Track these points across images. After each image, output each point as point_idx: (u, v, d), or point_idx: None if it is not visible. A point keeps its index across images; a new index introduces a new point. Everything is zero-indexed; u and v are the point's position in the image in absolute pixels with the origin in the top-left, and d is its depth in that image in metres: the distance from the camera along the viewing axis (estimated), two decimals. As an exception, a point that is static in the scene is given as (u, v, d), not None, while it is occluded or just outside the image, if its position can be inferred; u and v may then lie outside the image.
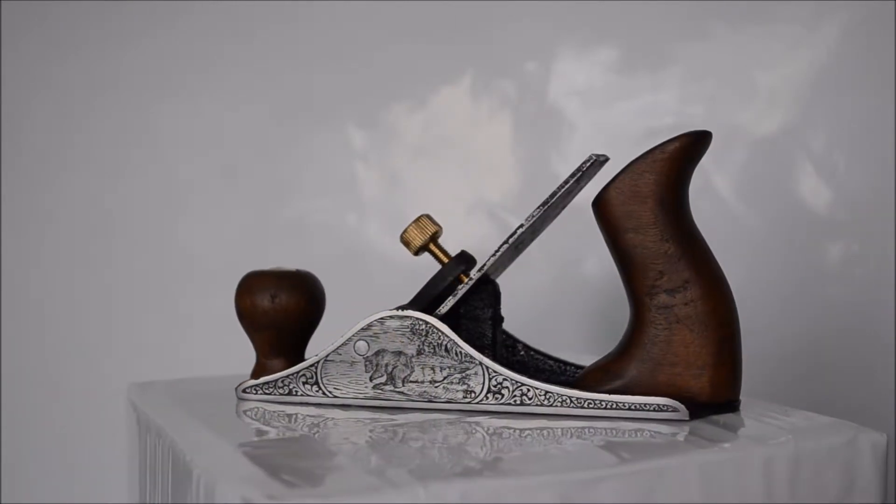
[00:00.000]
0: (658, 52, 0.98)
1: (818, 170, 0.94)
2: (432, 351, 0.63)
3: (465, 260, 0.66)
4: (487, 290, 0.65)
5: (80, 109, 1.05)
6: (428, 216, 0.66)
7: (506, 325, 0.68)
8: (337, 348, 0.64)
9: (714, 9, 0.96)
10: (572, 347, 0.89)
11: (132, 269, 1.05)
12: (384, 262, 1.01)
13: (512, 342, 0.69)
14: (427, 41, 1.02)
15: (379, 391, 0.64)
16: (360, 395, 0.64)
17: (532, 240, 0.68)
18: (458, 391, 0.62)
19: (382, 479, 0.48)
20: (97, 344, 1.04)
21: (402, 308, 0.64)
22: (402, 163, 1.04)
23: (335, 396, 0.64)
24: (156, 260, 1.04)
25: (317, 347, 0.66)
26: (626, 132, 0.98)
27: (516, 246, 0.65)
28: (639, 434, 0.56)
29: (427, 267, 0.66)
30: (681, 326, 0.60)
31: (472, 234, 1.01)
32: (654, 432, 0.57)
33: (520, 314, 0.77)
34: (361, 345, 0.64)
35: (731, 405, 0.61)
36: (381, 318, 0.64)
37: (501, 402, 0.61)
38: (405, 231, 0.66)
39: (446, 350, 0.62)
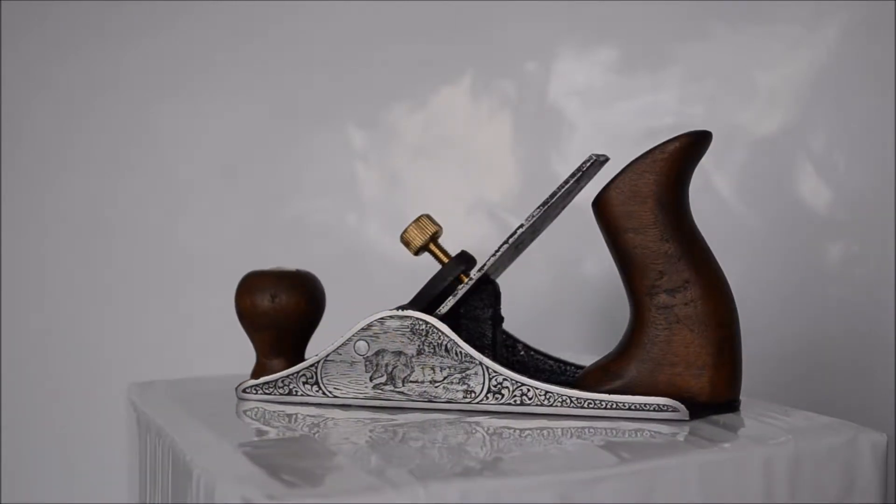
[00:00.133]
0: (658, 52, 0.98)
1: (818, 170, 0.94)
2: (432, 351, 0.63)
3: (465, 260, 0.66)
4: (487, 290, 0.65)
5: (80, 109, 1.05)
6: (428, 216, 0.66)
7: (506, 325, 0.68)
8: (337, 348, 0.64)
9: (714, 9, 0.96)
10: (572, 347, 0.89)
11: (132, 269, 1.05)
12: (384, 262, 1.01)
13: (512, 342, 0.69)
14: (427, 41, 1.02)
15: (379, 391, 0.64)
16: (360, 395, 0.64)
17: (532, 240, 0.68)
18: (458, 391, 0.62)
19: (382, 479, 0.48)
20: (97, 344, 1.04)
21: (402, 308, 0.64)
22: (402, 163, 1.04)
23: (335, 396, 0.64)
24: (156, 260, 1.04)
25: (317, 347, 0.66)
26: (626, 132, 0.98)
27: (516, 246, 0.65)
28: (639, 434, 0.56)
29: (427, 267, 0.66)
30: (681, 326, 0.60)
31: (472, 234, 1.01)
32: (654, 432, 0.57)
33: (520, 314, 0.76)
34: (361, 345, 0.64)
35: (731, 405, 0.61)
36: (381, 318, 0.64)
37: (501, 402, 0.61)
38: (405, 231, 0.66)
39: (446, 350, 0.62)
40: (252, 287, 0.66)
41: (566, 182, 0.62)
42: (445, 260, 0.66)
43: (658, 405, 0.59)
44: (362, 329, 0.64)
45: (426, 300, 0.65)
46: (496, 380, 0.62)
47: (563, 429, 0.58)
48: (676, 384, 0.60)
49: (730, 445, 0.54)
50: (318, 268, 0.70)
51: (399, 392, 0.63)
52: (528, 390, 0.61)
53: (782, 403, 0.64)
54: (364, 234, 1.04)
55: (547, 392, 0.61)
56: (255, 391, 0.66)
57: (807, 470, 0.54)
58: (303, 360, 0.67)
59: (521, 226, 0.63)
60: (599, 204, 0.61)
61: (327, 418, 0.61)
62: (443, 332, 0.62)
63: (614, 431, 0.57)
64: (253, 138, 1.04)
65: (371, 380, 0.64)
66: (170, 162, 1.05)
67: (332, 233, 1.04)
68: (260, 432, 0.59)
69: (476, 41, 1.02)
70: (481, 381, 0.62)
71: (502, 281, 0.67)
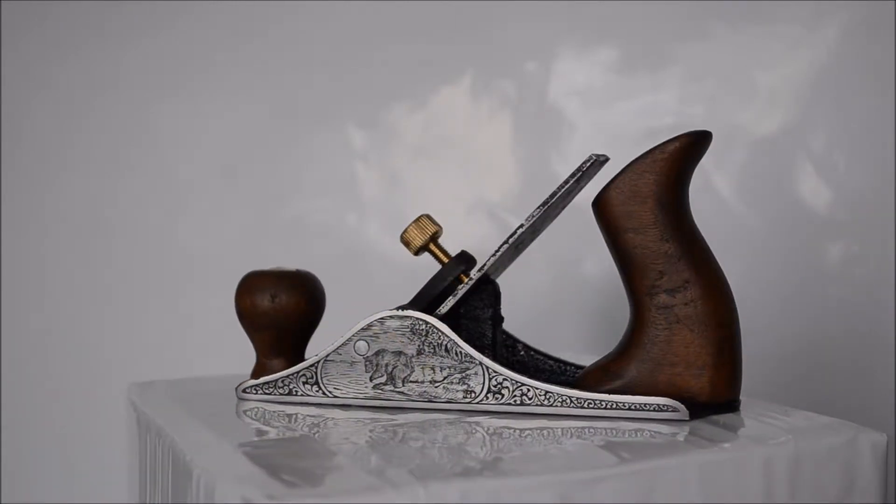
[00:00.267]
0: (658, 52, 0.98)
1: (818, 170, 0.94)
2: (432, 351, 0.63)
3: (465, 260, 0.66)
4: (487, 290, 0.65)
5: (80, 109, 1.05)
6: (428, 216, 0.66)
7: (506, 325, 0.68)
8: (337, 348, 0.64)
9: (714, 9, 0.96)
10: (572, 347, 0.89)
11: (132, 269, 1.05)
12: (384, 262, 1.01)
13: (512, 342, 0.69)
14: (427, 41, 1.02)
15: (379, 391, 0.64)
16: (360, 395, 0.64)
17: (532, 240, 0.68)
18: (458, 391, 0.62)
19: (382, 479, 0.48)
20: (97, 344, 1.04)
21: (402, 308, 0.64)
22: (402, 163, 1.04)
23: (335, 396, 0.64)
24: (156, 260, 1.04)
25: (317, 347, 0.66)
26: (626, 132, 0.98)
27: (516, 246, 0.65)
28: (639, 434, 0.56)
29: (427, 267, 0.66)
30: (681, 326, 0.60)
31: (472, 234, 1.01)
32: (654, 432, 0.57)
33: (520, 314, 0.76)
34: (361, 345, 0.64)
35: (731, 405, 0.61)
36: (381, 318, 0.64)
37: (501, 402, 0.61)
38: (405, 231, 0.66)
39: (446, 350, 0.62)
40: (252, 287, 0.66)
41: (566, 182, 0.62)
42: (445, 260, 0.66)
43: (658, 405, 0.59)
44: (362, 329, 0.64)
45: (426, 300, 0.65)
46: (496, 380, 0.62)
47: (563, 429, 0.58)
48: (676, 384, 0.60)
49: (730, 445, 0.54)
50: (318, 268, 0.70)
51: (399, 392, 0.63)
52: (528, 390, 0.61)
53: (782, 403, 0.64)
54: (364, 234, 1.04)
55: (547, 392, 0.61)
56: (255, 391, 0.66)
57: (807, 470, 0.54)
58: (303, 360, 0.67)
59: (521, 226, 0.63)
60: (599, 204, 0.61)
61: (327, 418, 0.61)
62: (443, 332, 0.62)
63: (614, 431, 0.57)
64: (253, 138, 1.04)
65: (371, 380, 0.64)
66: (170, 162, 1.05)
67: (332, 233, 1.04)
68: (260, 432, 0.59)
69: (476, 41, 1.02)
70: (481, 381, 0.62)
71: (502, 281, 0.67)
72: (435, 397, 0.63)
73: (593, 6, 0.98)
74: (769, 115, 0.96)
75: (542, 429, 0.58)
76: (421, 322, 0.63)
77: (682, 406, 0.59)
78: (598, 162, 0.63)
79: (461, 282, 0.65)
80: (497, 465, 0.51)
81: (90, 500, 1.02)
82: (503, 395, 0.61)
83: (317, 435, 0.57)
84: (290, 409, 0.64)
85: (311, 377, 0.65)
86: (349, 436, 0.57)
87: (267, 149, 1.04)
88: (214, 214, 1.04)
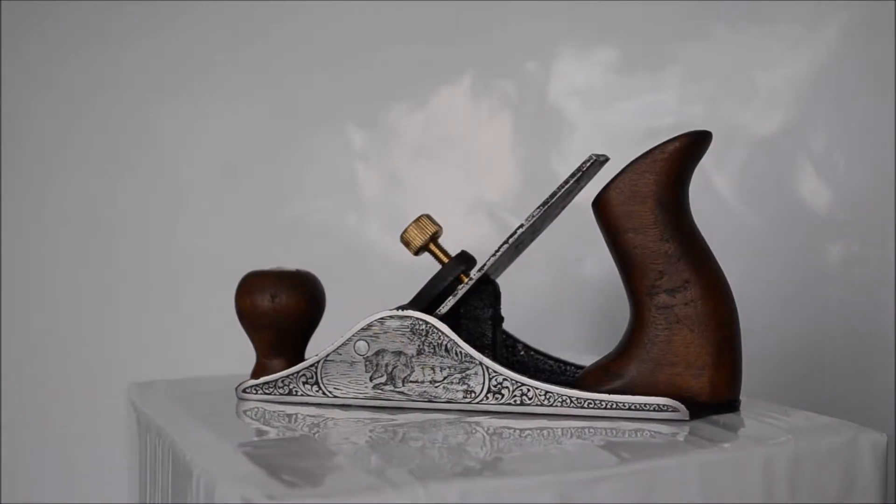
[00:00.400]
0: (658, 52, 0.98)
1: (818, 170, 0.94)
2: (432, 351, 0.63)
3: (465, 260, 0.66)
4: (487, 290, 0.65)
5: (80, 109, 1.05)
6: (428, 216, 0.66)
7: (506, 325, 0.68)
8: (337, 348, 0.64)
9: (714, 9, 0.96)
10: (572, 347, 0.89)
11: (132, 269, 1.05)
12: (384, 262, 1.01)
13: (512, 342, 0.69)
14: (427, 41, 1.02)
15: (379, 391, 0.64)
16: (360, 395, 0.64)
17: (532, 240, 0.68)
18: (458, 391, 0.62)
19: (382, 479, 0.48)
20: (97, 344, 1.04)
21: (402, 308, 0.64)
22: (402, 163, 1.04)
23: (335, 396, 0.64)
24: (156, 260, 1.04)
25: (317, 347, 0.66)
26: (626, 132, 0.98)
27: (516, 246, 0.65)
28: (639, 434, 0.56)
29: (427, 267, 0.66)
30: (681, 326, 0.60)
31: (472, 234, 1.01)
32: (654, 432, 0.57)
33: (520, 314, 0.76)
34: (361, 345, 0.64)
35: (731, 405, 0.61)
36: (381, 318, 0.64)
37: (501, 402, 0.61)
38: (405, 231, 0.66)
39: (446, 350, 0.62)
40: (252, 287, 0.66)
41: (566, 182, 0.62)
42: (445, 260, 0.66)
43: (658, 405, 0.59)
44: (362, 329, 0.64)
45: (426, 300, 0.65)
46: (496, 380, 0.62)
47: (563, 429, 0.58)
48: (676, 384, 0.60)
49: (730, 445, 0.54)
50: (318, 268, 0.70)
51: (399, 392, 0.63)
52: (528, 390, 0.61)
53: (782, 403, 0.64)
54: (364, 234, 1.04)
55: (547, 392, 0.61)
56: (255, 391, 0.66)
57: (807, 470, 0.54)
58: (303, 360, 0.67)
59: (521, 226, 0.63)
60: (599, 204, 0.61)
61: (327, 418, 0.61)
62: (443, 332, 0.62)
63: (614, 431, 0.57)
64: (253, 138, 1.04)
65: (371, 380, 0.64)
66: (170, 162, 1.05)
67: (332, 233, 1.04)
68: (260, 432, 0.59)
69: (476, 41, 1.02)
70: (481, 381, 0.62)
71: (502, 281, 0.67)
72: (435, 397, 0.63)
73: (593, 6, 0.98)
74: (769, 115, 0.96)
75: (542, 429, 0.58)
76: (421, 322, 0.63)
77: (682, 406, 0.59)
78: (598, 162, 0.63)
79: (461, 282, 0.65)
80: (497, 465, 0.51)
81: (90, 500, 1.02)
82: (503, 395, 0.61)
83: (317, 435, 0.57)
84: (290, 409, 0.64)
85: (311, 377, 0.65)
86: (349, 436, 0.57)
87: (267, 149, 1.04)
88: (214, 214, 1.04)
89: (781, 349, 0.94)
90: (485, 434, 0.57)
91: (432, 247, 0.66)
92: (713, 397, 0.60)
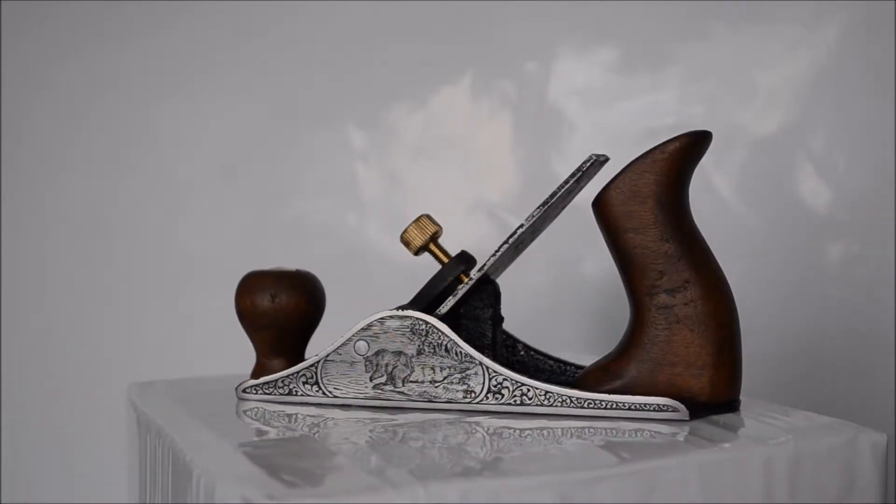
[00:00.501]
0: (658, 52, 0.98)
1: (818, 170, 0.94)
2: (432, 351, 0.63)
3: (465, 260, 0.66)
4: (487, 290, 0.65)
5: (80, 109, 1.05)
6: (428, 216, 0.66)
7: (506, 325, 0.68)
8: (337, 348, 0.64)
9: (714, 9, 0.96)
10: (572, 347, 0.89)
11: (132, 269, 1.05)
12: (384, 262, 1.01)
13: (512, 342, 0.69)
14: (427, 41, 1.02)
15: (379, 391, 0.64)
16: (360, 395, 0.64)
17: (532, 240, 0.68)
18: (458, 391, 0.62)
19: (382, 479, 0.48)
20: (97, 344, 1.04)
21: (402, 308, 0.64)
22: (402, 163, 1.04)
23: (335, 396, 0.64)
24: (156, 260, 1.04)
25: (317, 347, 0.66)
26: (626, 132, 0.98)
27: (516, 246, 0.65)
28: (639, 434, 0.56)
29: (427, 267, 0.66)
30: (681, 326, 0.60)
31: (472, 234, 1.01)
32: (654, 432, 0.57)
33: (520, 314, 0.76)
34: (361, 345, 0.64)
35: (731, 405, 0.61)
36: (381, 318, 0.64)
37: (501, 402, 0.61)
38: (405, 231, 0.66)
39: (446, 350, 0.62)
40: (252, 287, 0.66)
41: (566, 182, 0.62)
42: (445, 260, 0.66)
43: (658, 405, 0.59)
44: (362, 329, 0.64)
45: (426, 300, 0.65)
46: (496, 380, 0.62)
47: (563, 429, 0.58)
48: (676, 384, 0.60)
49: (730, 445, 0.54)
50: (318, 268, 0.70)
51: (399, 392, 0.63)
52: (528, 390, 0.61)
53: (782, 403, 0.64)
54: (364, 234, 1.04)
55: (547, 392, 0.61)
56: (255, 391, 0.66)
57: (807, 470, 0.54)
58: (303, 360, 0.67)
59: (521, 226, 0.63)
60: (599, 204, 0.61)
61: (327, 418, 0.61)
62: (443, 332, 0.62)
63: (614, 431, 0.57)
64: (253, 138, 1.04)
65: (371, 380, 0.64)
66: (170, 162, 1.05)
67: (332, 233, 1.04)
68: (260, 432, 0.59)
69: (476, 41, 1.02)
70: (481, 381, 0.62)
71: (502, 281, 0.67)
72: (435, 397, 0.63)
73: (593, 6, 0.98)
74: (769, 115, 0.96)
75: (542, 429, 0.58)
76: (421, 322, 0.63)
77: (682, 406, 0.59)
78: (598, 162, 0.63)
79: (461, 282, 0.65)
80: (497, 465, 0.51)
81: (90, 500, 1.02)
82: (503, 395, 0.61)
83: (317, 435, 0.57)
84: (290, 409, 0.64)
85: (311, 377, 0.65)
86: (349, 436, 0.57)
87: (267, 149, 1.04)
88: (214, 214, 1.04)
89: (781, 349, 0.94)
90: (485, 434, 0.57)
91: (432, 247, 0.66)
92: (713, 397, 0.60)
